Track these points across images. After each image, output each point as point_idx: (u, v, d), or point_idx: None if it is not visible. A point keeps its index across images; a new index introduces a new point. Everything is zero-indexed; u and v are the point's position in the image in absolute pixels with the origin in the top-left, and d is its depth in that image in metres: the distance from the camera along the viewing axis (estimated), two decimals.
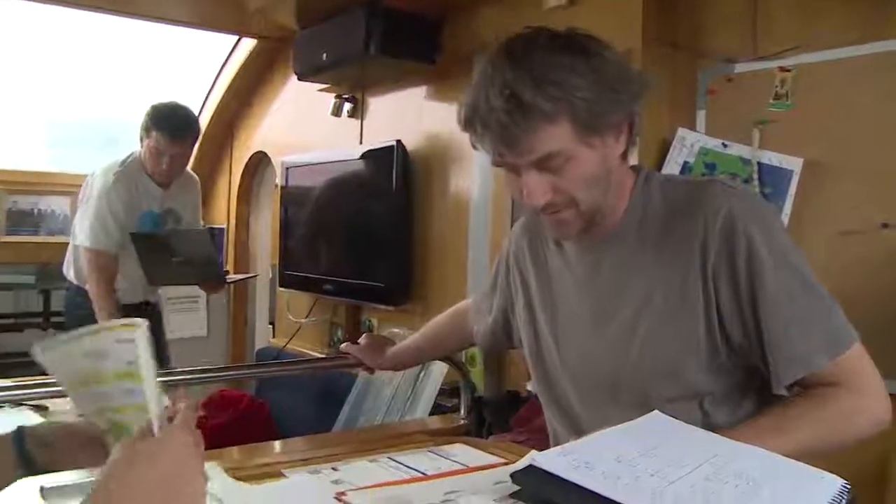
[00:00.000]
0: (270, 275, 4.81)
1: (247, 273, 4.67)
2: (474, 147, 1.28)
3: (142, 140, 3.09)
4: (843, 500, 0.91)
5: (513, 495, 0.88)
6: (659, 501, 0.81)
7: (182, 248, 3.16)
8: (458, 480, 1.21)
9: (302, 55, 3.20)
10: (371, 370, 2.11)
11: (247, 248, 4.76)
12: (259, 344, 4.70)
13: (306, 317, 3.80)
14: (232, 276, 4.14)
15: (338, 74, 3.21)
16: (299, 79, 3.33)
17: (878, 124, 1.86)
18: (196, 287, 3.68)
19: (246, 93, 4.45)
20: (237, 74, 4.35)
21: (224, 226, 4.76)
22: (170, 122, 3.04)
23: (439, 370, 2.68)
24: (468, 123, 1.23)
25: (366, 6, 2.79)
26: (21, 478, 1.11)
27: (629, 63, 1.29)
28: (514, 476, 0.88)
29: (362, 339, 2.08)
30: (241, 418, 3.45)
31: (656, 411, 1.13)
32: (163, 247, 3.15)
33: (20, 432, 1.11)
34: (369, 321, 3.43)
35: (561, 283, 1.44)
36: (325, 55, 2.98)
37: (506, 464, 1.27)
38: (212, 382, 3.31)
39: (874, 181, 1.87)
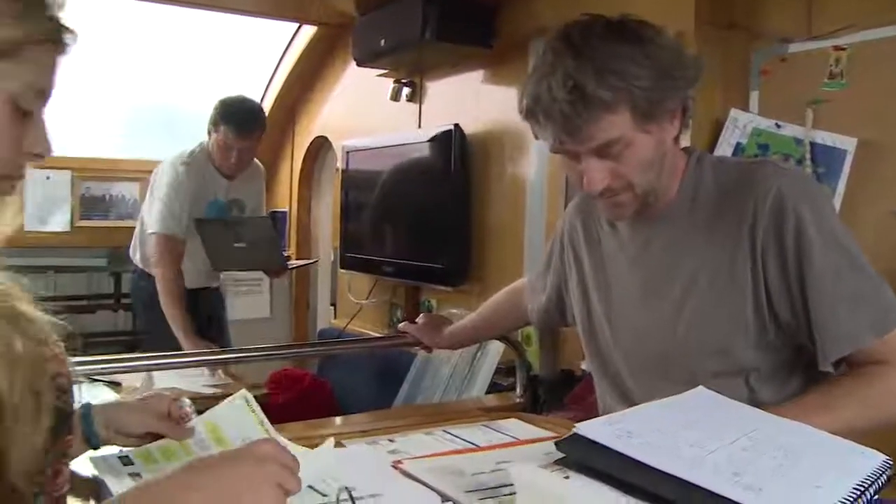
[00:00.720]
0: (332, 257, 4.93)
1: (308, 257, 4.79)
2: (536, 136, 1.33)
3: (210, 133, 3.17)
4: (884, 475, 0.94)
5: (557, 462, 0.93)
6: (696, 469, 0.85)
7: (245, 235, 3.25)
8: (509, 452, 1.27)
9: (360, 41, 3.27)
10: (429, 349, 2.19)
11: (308, 231, 4.87)
12: (321, 325, 4.82)
13: (366, 298, 3.89)
14: (294, 262, 4.25)
15: (395, 60, 3.27)
16: (358, 65, 3.40)
17: None
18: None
19: (307, 79, 4.54)
20: (298, 61, 4.44)
21: (286, 209, 4.88)
22: (238, 117, 3.10)
23: (496, 349, 2.73)
24: (530, 114, 1.28)
25: None
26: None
27: (683, 47, 1.32)
28: (559, 444, 0.93)
29: (420, 319, 2.16)
30: (304, 396, 3.56)
31: (701, 387, 1.17)
32: (226, 233, 3.24)
33: (87, 409, 1.19)
34: (428, 302, 3.50)
35: (614, 262, 1.48)
36: (383, 41, 3.05)
37: (557, 437, 1.32)
38: (275, 360, 3.43)
39: None
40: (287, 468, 0.83)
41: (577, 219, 1.60)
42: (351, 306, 4.05)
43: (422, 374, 3.11)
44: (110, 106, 4.75)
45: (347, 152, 3.92)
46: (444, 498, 1.08)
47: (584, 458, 0.91)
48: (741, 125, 2.12)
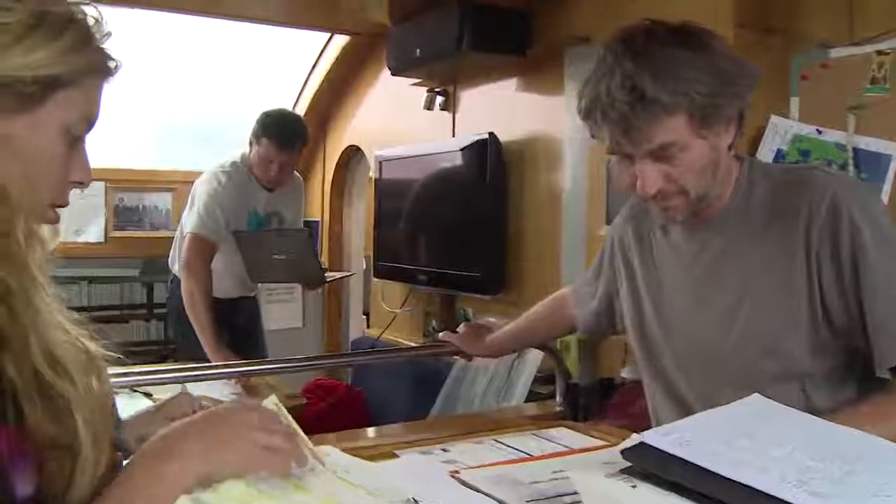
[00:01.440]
0: (364, 266, 4.95)
1: (340, 266, 4.82)
2: (592, 136, 1.34)
3: (251, 145, 3.15)
4: None
5: (623, 471, 0.94)
6: (764, 477, 0.86)
7: (284, 247, 3.24)
8: (564, 461, 1.27)
9: (395, 51, 3.29)
10: (469, 357, 2.20)
11: (341, 240, 4.91)
12: (353, 334, 4.85)
13: (401, 307, 3.91)
14: (330, 275, 4.26)
15: (430, 69, 3.29)
16: (393, 74, 3.42)
17: None
18: None
19: (338, 88, 4.57)
20: (329, 70, 4.48)
21: (318, 219, 4.92)
22: (280, 130, 3.09)
23: (534, 358, 2.74)
24: (588, 113, 1.29)
25: (458, 2, 2.86)
26: None
27: (739, 55, 1.33)
28: (625, 453, 0.94)
29: (461, 328, 2.16)
30: (338, 405, 3.59)
31: (756, 394, 1.17)
32: (265, 245, 3.24)
33: (117, 423, 1.20)
34: (464, 310, 3.52)
35: (667, 267, 1.49)
36: (418, 51, 3.07)
37: (608, 446, 1.32)
38: (314, 370, 3.46)
39: None
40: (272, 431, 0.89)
41: (629, 225, 1.61)
42: (384, 315, 4.07)
43: (459, 384, 3.12)
44: (144, 117, 4.82)
45: (381, 161, 3.94)
46: None
47: (652, 467, 0.91)
48: (781, 131, 2.12)
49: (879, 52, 1.97)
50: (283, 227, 3.42)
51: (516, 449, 1.44)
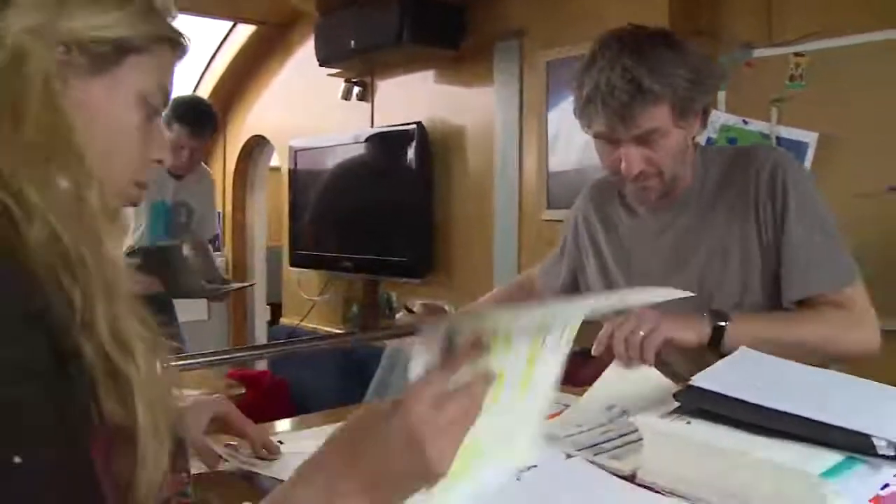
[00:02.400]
0: (266, 257, 4.97)
1: (244, 257, 4.83)
2: (586, 127, 1.51)
3: None
4: None
5: (674, 411, 1.09)
6: (801, 406, 1.03)
7: (153, 265, 3.01)
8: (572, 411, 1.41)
9: (325, 42, 3.35)
10: None
11: (244, 231, 4.90)
12: (259, 326, 4.85)
13: (319, 295, 3.97)
14: (231, 286, 4.06)
15: (363, 60, 3.38)
16: (321, 64, 3.47)
17: (883, 102, 2.14)
18: None
19: (241, 77, 4.56)
20: (234, 59, 4.46)
21: (220, 210, 4.87)
22: (191, 115, 3.07)
23: None
24: (589, 101, 1.46)
25: None
26: None
27: (722, 74, 1.54)
28: (677, 395, 1.10)
29: (417, 309, 2.27)
30: (264, 396, 3.59)
31: (743, 347, 1.35)
32: (168, 263, 3.08)
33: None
34: (388, 294, 3.62)
35: (635, 243, 1.67)
36: (352, 42, 3.14)
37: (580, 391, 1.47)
38: (259, 359, 3.46)
39: (881, 151, 2.14)
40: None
41: (590, 206, 1.78)
42: (301, 304, 4.11)
43: (390, 371, 3.20)
44: None
45: (295, 151, 3.98)
46: (568, 455, 1.21)
47: (706, 405, 1.07)
48: (711, 122, 2.34)
49: (797, 54, 2.24)
50: (192, 220, 3.37)
51: None
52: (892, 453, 0.98)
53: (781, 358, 1.26)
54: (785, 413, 1.02)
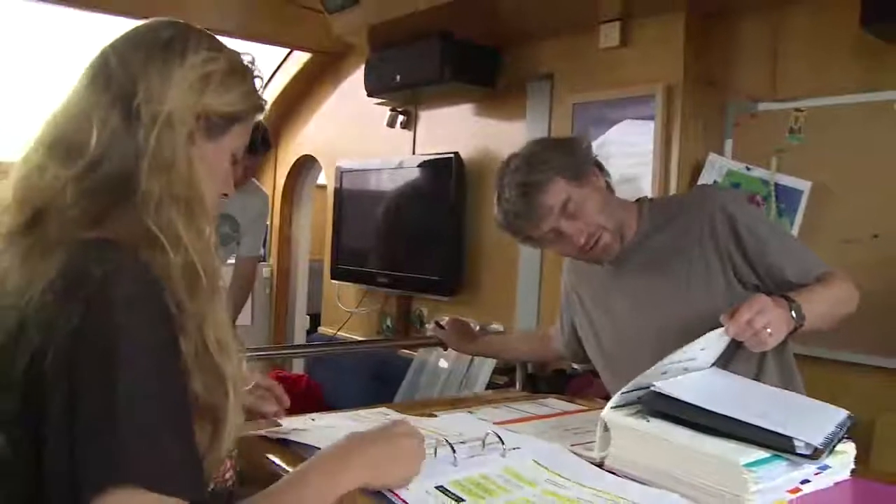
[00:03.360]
0: (308, 268, 5.25)
1: (288, 267, 5.11)
2: (527, 241, 1.86)
3: None
4: (849, 424, 1.37)
5: (636, 412, 1.33)
6: (742, 413, 1.26)
7: None
8: (586, 416, 1.65)
9: (374, 75, 3.64)
10: (446, 348, 2.57)
11: (290, 243, 5.19)
12: (298, 333, 5.13)
13: (356, 307, 4.24)
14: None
15: (406, 95, 3.67)
16: (369, 95, 3.76)
17: (871, 156, 2.35)
18: None
19: (293, 100, 4.85)
20: (288, 83, 4.77)
21: (268, 223, 5.17)
22: (254, 136, 3.36)
23: None
24: (507, 225, 1.81)
25: (439, 36, 3.25)
26: None
27: (585, 140, 1.96)
28: (641, 398, 1.34)
29: (446, 323, 2.51)
30: (301, 396, 3.85)
31: (714, 367, 1.58)
32: None
33: None
34: (420, 310, 3.88)
35: (607, 293, 1.91)
36: (398, 77, 3.44)
37: (596, 408, 1.69)
38: (300, 357, 3.72)
39: (868, 200, 2.36)
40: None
41: (574, 269, 2.04)
42: (338, 315, 4.38)
43: (418, 375, 3.44)
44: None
45: (341, 172, 4.27)
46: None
47: (662, 407, 1.30)
48: (717, 167, 2.60)
49: (797, 109, 2.47)
50: (237, 232, 3.59)
51: (522, 410, 1.79)
52: (809, 453, 1.20)
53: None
54: (724, 416, 1.25)
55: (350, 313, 4.27)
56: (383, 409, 1.78)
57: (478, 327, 2.86)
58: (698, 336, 1.47)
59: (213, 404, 0.94)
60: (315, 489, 1.01)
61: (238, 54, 1.07)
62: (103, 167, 0.94)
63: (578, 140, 1.92)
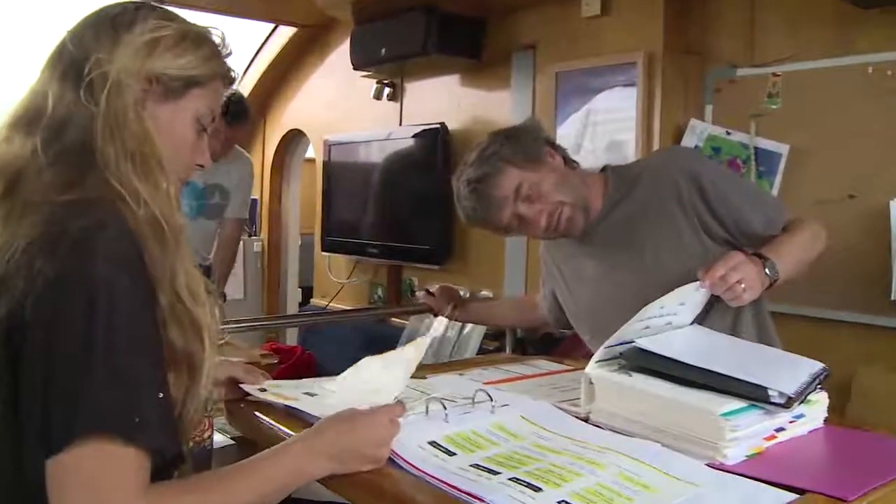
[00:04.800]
0: (300, 241, 5.30)
1: (279, 241, 5.16)
2: (497, 230, 1.89)
3: None
4: (824, 375, 1.44)
5: (619, 368, 1.39)
6: (716, 365, 1.32)
7: None
8: (565, 376, 1.71)
9: (359, 48, 3.67)
10: (435, 314, 2.63)
11: (280, 217, 5.23)
12: (291, 306, 5.18)
13: (348, 278, 4.29)
14: None
15: (392, 67, 3.69)
16: (355, 68, 3.79)
17: (847, 119, 2.42)
18: None
19: (280, 74, 4.86)
20: (275, 57, 4.78)
21: (257, 198, 5.20)
22: (229, 108, 3.25)
23: None
24: (472, 222, 1.86)
25: (424, 9, 3.28)
26: None
27: (535, 124, 2.00)
28: (623, 354, 1.40)
29: (435, 290, 2.56)
30: (295, 367, 3.91)
31: (696, 325, 1.64)
32: None
33: None
34: (410, 279, 3.94)
35: (582, 261, 1.96)
36: (383, 50, 3.47)
37: (581, 367, 1.75)
38: (292, 326, 3.79)
39: (843, 162, 2.43)
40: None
41: (549, 243, 2.08)
42: (330, 286, 4.44)
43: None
44: None
45: (329, 145, 4.30)
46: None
47: (643, 362, 1.37)
48: (698, 132, 2.66)
49: (774, 74, 2.53)
50: (226, 202, 3.64)
51: (512, 371, 1.84)
52: (782, 402, 1.27)
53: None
54: (702, 369, 1.31)
55: (341, 284, 4.33)
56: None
57: (467, 294, 2.94)
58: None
59: (190, 353, 0.99)
60: (285, 469, 1.04)
61: (194, 25, 1.11)
62: (68, 134, 0.99)
63: (528, 125, 1.95)
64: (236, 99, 3.50)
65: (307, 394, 1.49)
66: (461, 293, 2.59)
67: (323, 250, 4.43)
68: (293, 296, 5.29)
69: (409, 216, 3.76)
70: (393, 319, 3.75)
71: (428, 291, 2.57)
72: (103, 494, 0.85)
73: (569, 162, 1.89)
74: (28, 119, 1.02)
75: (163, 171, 1.02)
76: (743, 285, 1.52)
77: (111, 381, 0.86)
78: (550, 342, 2.95)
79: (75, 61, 1.02)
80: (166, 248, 0.97)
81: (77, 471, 0.84)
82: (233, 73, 1.19)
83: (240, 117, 3.46)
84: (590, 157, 2.89)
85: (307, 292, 5.13)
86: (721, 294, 1.54)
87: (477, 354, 3.14)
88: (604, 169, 1.94)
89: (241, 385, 1.47)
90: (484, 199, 1.78)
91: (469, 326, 3.23)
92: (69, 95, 1.01)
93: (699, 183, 1.76)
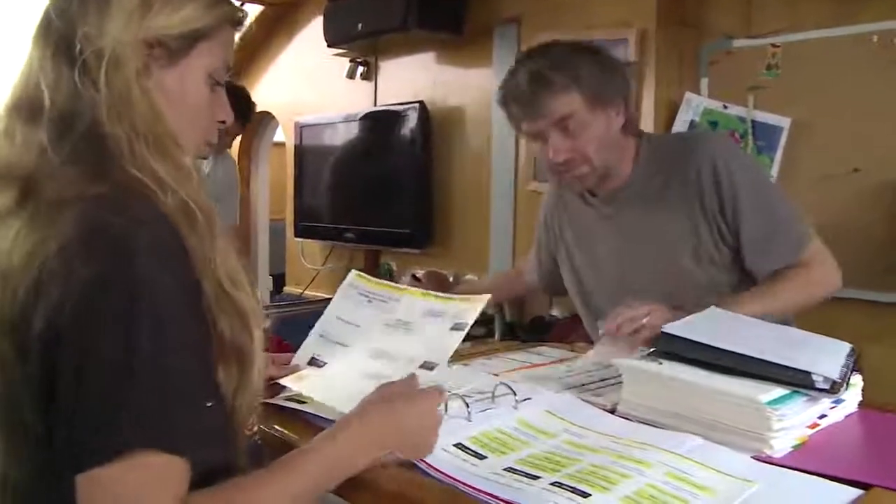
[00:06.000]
0: (268, 228, 5.15)
1: (248, 228, 5.01)
2: (518, 130, 1.74)
3: None
4: (854, 355, 1.36)
5: (648, 355, 1.30)
6: (752, 350, 1.23)
7: None
8: (584, 360, 1.61)
9: (333, 24, 3.52)
10: None
11: (249, 203, 5.06)
12: (261, 294, 5.03)
13: (323, 264, 4.16)
14: None
15: (365, 44, 3.55)
16: (329, 46, 3.64)
17: (850, 90, 2.34)
18: None
19: (247, 56, 4.70)
20: (239, 38, 4.59)
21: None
22: (241, 106, 3.21)
23: None
24: (503, 103, 1.70)
25: None
26: None
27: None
28: (652, 340, 1.30)
29: (423, 276, 2.47)
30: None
31: (713, 306, 1.55)
32: None
33: None
34: (388, 265, 3.82)
35: (594, 230, 1.86)
36: (360, 26, 3.32)
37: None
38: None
39: (847, 135, 2.35)
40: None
41: (553, 201, 1.98)
42: (304, 274, 4.30)
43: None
44: None
45: (301, 127, 4.16)
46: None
47: (674, 348, 1.27)
48: (694, 106, 2.57)
49: (773, 45, 2.44)
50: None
51: (517, 360, 1.75)
52: (828, 387, 1.19)
53: None
54: (739, 354, 1.23)
55: (316, 271, 4.20)
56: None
57: (451, 279, 2.83)
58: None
59: (239, 344, 0.91)
60: (337, 458, 0.96)
61: None
62: (76, 127, 0.89)
63: (621, 66, 1.77)
64: (245, 96, 3.41)
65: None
66: (448, 278, 2.49)
67: (296, 236, 4.29)
68: (264, 283, 5.14)
69: (386, 199, 3.64)
70: None
71: (414, 277, 2.47)
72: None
73: (629, 128, 1.75)
74: (28, 109, 0.91)
75: (180, 149, 0.93)
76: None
77: (154, 389, 0.79)
78: (542, 326, 2.86)
79: (64, 37, 0.91)
80: (201, 234, 0.89)
81: (112, 487, 0.77)
82: (240, 14, 1.05)
83: (249, 117, 3.38)
84: None
85: (279, 280, 4.99)
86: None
87: (464, 342, 3.02)
88: (639, 135, 1.81)
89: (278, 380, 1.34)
90: (534, 99, 1.63)
91: None
92: (66, 79, 0.90)
93: (720, 189, 1.67)
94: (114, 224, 0.81)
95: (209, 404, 0.84)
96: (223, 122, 1.07)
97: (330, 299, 1.49)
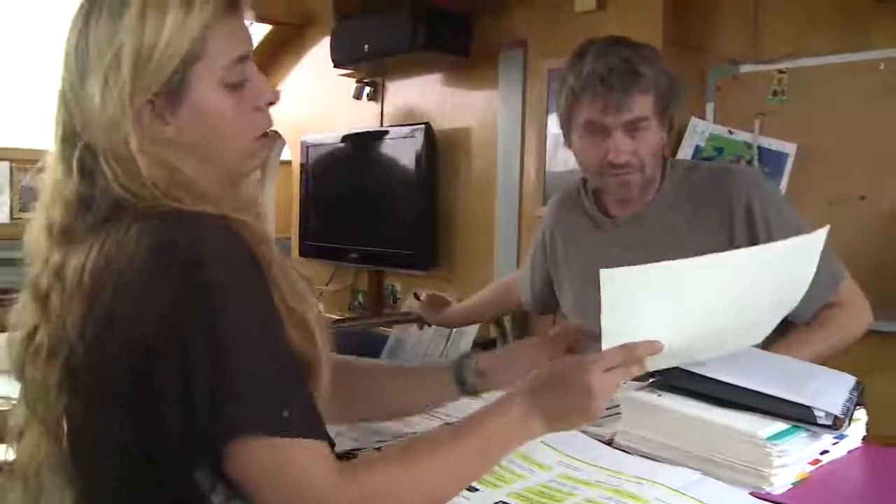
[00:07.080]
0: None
1: None
2: (574, 120, 1.66)
3: None
4: (860, 388, 1.33)
5: (647, 386, 1.27)
6: (755, 384, 1.21)
7: None
8: None
9: (341, 45, 3.53)
10: (421, 326, 2.51)
11: None
12: None
13: (326, 284, 4.15)
14: None
15: (373, 65, 3.56)
16: (335, 66, 3.64)
17: (857, 117, 2.32)
18: None
19: None
20: None
21: None
22: None
23: (471, 328, 3.05)
24: (587, 84, 1.59)
25: (411, 3, 3.15)
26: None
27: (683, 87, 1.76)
28: (653, 373, 1.28)
29: (423, 298, 2.45)
30: None
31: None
32: None
33: (459, 362, 1.31)
34: (392, 286, 3.80)
35: (604, 254, 1.77)
36: (367, 47, 3.32)
37: None
38: None
39: (854, 162, 2.33)
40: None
41: (557, 222, 1.92)
42: None
43: (395, 354, 3.38)
44: (50, 95, 4.76)
45: (307, 146, 4.15)
46: None
47: (674, 380, 1.25)
48: (699, 131, 2.56)
49: (779, 71, 2.43)
50: None
51: None
52: (830, 423, 1.16)
53: None
54: (739, 387, 1.20)
55: (320, 291, 4.18)
56: None
57: (454, 302, 2.80)
58: None
59: (307, 355, 0.92)
60: (513, 425, 0.99)
61: None
62: (100, 208, 0.90)
63: (682, 84, 1.76)
64: None
65: None
66: (450, 300, 2.47)
67: (301, 255, 4.27)
68: None
69: (391, 220, 3.62)
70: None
71: (416, 296, 2.46)
72: (300, 485, 0.84)
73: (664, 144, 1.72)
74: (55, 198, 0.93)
75: (207, 190, 0.90)
76: None
77: (256, 383, 0.83)
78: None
79: (68, 129, 0.93)
80: (264, 248, 0.89)
81: (281, 455, 0.83)
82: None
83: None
84: (571, 157, 2.76)
85: None
86: None
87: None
88: (664, 159, 1.76)
89: None
90: (622, 84, 1.56)
91: (456, 333, 3.11)
92: (74, 178, 0.91)
93: (756, 222, 1.62)
94: (181, 241, 0.84)
95: (306, 387, 0.88)
96: (270, 103, 0.99)
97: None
